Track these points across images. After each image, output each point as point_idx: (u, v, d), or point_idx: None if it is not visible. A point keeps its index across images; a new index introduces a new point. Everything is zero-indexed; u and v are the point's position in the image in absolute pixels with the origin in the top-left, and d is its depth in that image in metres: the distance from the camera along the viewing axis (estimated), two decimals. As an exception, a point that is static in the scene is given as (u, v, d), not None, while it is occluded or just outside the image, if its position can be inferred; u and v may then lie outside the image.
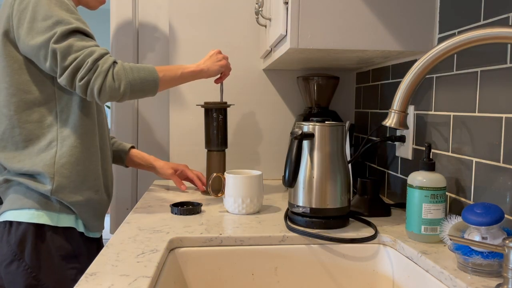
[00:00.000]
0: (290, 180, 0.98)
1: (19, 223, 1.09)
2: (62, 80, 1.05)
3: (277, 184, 1.58)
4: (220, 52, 1.28)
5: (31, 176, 1.11)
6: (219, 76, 1.33)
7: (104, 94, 1.05)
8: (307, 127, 1.01)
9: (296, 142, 0.98)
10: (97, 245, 1.24)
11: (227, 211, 1.16)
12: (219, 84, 1.36)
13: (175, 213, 1.13)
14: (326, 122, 1.02)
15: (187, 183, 1.49)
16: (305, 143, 1.01)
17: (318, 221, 1.01)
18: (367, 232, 0.99)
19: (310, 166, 1.01)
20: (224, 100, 1.41)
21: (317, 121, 1.02)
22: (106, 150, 1.24)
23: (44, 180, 1.10)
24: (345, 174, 1.02)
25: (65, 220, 1.12)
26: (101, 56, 1.05)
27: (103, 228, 1.25)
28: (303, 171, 1.01)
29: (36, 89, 1.11)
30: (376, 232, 0.97)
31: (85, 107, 1.15)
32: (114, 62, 1.07)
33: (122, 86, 1.06)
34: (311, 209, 1.00)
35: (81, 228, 1.15)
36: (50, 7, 1.04)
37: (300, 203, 1.02)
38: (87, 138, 1.15)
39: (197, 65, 1.22)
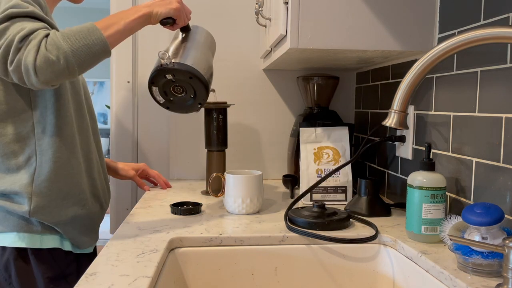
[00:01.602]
0: None
1: (3, 248, 1.03)
2: None
3: (277, 184, 1.58)
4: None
5: (9, 197, 1.03)
6: (172, 23, 1.09)
7: (43, 72, 0.87)
8: None
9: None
10: (89, 260, 1.12)
11: (227, 211, 1.16)
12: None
13: (175, 213, 1.12)
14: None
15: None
16: None
17: (319, 222, 1.01)
18: (368, 232, 0.99)
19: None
20: (223, 100, 1.41)
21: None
22: (92, 158, 1.15)
23: (22, 200, 1.02)
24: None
25: (49, 241, 1.05)
26: (32, 31, 0.88)
27: (96, 240, 1.18)
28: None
29: (9, 98, 1.00)
30: (377, 232, 0.97)
31: (61, 116, 1.05)
32: (48, 35, 0.89)
33: (62, 56, 0.88)
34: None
35: (67, 247, 1.08)
36: None
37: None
38: (66, 149, 1.05)
39: (137, 9, 1.01)
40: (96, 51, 0.92)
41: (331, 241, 0.95)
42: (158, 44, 1.76)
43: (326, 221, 1.01)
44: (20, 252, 1.03)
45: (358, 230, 1.01)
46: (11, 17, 0.89)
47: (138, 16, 1.00)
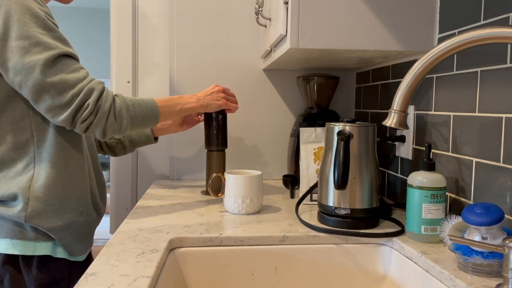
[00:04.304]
0: (340, 183, 0.98)
1: None
2: (58, 119, 0.97)
3: (277, 184, 1.58)
4: (223, 91, 1.29)
5: (5, 203, 1.02)
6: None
7: (107, 134, 1.03)
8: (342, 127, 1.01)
9: (343, 143, 0.97)
10: (81, 266, 1.13)
11: (227, 211, 1.16)
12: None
13: None
14: (357, 122, 1.02)
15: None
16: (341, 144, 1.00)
17: (351, 221, 1.01)
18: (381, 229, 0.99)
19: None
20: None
21: (347, 122, 1.02)
22: (89, 164, 1.16)
23: (19, 205, 1.01)
24: (376, 174, 1.03)
25: (42, 248, 1.03)
26: (101, 94, 1.00)
27: (90, 246, 1.16)
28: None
29: (7, 105, 1.00)
30: (403, 228, 0.98)
31: None
32: (114, 99, 1.03)
33: (124, 124, 1.04)
34: (345, 209, 1.01)
35: (60, 254, 1.06)
36: (25, 24, 0.94)
37: (331, 203, 1.02)
38: (64, 156, 1.06)
39: (197, 99, 1.22)
40: (147, 124, 1.10)
41: (365, 237, 0.97)
42: (157, 45, 1.76)
43: (357, 221, 1.01)
44: (11, 259, 1.02)
45: (386, 229, 1.01)
46: (52, 62, 0.96)
47: (192, 105, 1.21)
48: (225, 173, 1.18)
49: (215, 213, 1.15)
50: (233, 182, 1.14)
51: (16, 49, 0.94)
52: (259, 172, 1.18)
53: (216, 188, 1.32)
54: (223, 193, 1.18)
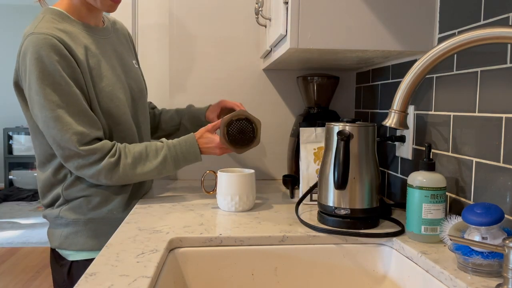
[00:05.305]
0: (340, 183, 0.97)
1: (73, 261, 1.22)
2: (79, 168, 1.12)
3: (277, 184, 1.57)
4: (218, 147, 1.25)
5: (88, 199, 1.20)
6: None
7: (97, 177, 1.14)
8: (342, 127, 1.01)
9: (343, 143, 0.97)
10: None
11: (227, 211, 1.16)
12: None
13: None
14: (357, 122, 1.02)
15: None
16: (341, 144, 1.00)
17: (351, 221, 1.00)
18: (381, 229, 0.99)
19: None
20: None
21: (347, 122, 1.02)
22: None
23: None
24: (376, 174, 1.02)
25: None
26: (113, 167, 1.13)
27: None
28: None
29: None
30: (403, 228, 0.98)
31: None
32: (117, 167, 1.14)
33: (113, 181, 1.15)
34: (345, 209, 1.00)
35: None
36: (40, 85, 1.05)
37: (331, 203, 1.02)
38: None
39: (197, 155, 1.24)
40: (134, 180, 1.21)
41: (365, 237, 0.96)
42: (158, 42, 1.76)
43: (356, 221, 1.01)
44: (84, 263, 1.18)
45: (385, 229, 1.01)
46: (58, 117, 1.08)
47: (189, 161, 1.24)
48: (218, 171, 1.20)
49: (215, 213, 1.15)
50: (225, 180, 1.16)
51: (38, 105, 1.07)
52: (251, 171, 1.19)
53: (208, 185, 1.33)
54: (214, 190, 1.20)
